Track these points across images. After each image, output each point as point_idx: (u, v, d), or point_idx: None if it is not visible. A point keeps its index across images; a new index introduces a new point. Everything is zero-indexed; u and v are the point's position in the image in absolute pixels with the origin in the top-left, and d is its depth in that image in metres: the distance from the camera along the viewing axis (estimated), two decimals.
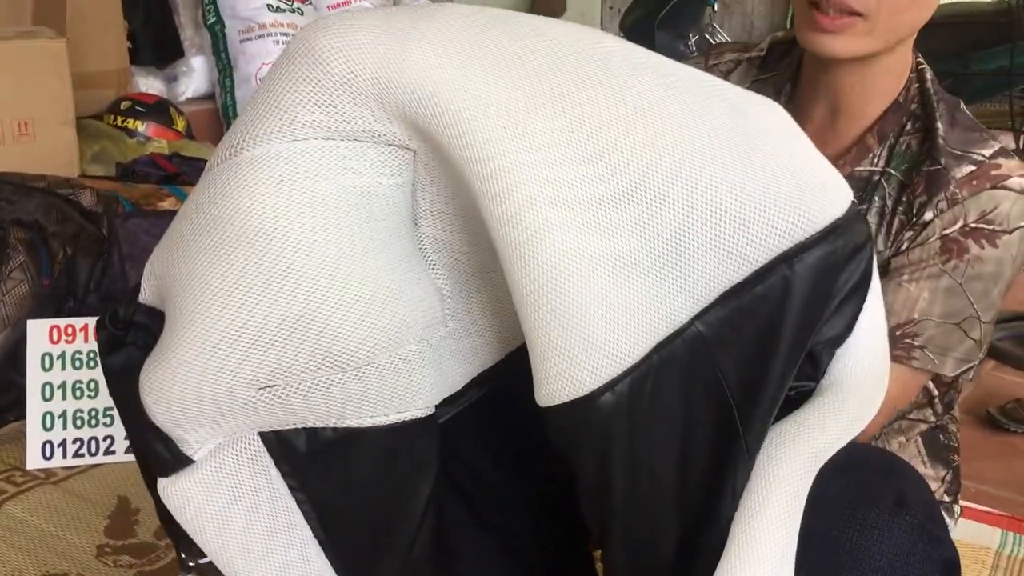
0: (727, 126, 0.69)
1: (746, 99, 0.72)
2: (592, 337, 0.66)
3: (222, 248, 0.67)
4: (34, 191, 1.82)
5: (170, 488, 0.74)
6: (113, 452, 1.67)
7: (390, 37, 0.66)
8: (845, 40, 1.00)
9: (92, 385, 1.67)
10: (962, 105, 1.09)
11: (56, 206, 1.82)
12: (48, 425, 1.65)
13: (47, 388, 1.65)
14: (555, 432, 0.71)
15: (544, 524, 0.93)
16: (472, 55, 0.66)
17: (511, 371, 0.80)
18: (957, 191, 1.01)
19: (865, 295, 0.74)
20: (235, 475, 0.74)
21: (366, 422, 0.75)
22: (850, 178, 1.09)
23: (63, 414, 1.65)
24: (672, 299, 0.69)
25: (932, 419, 1.16)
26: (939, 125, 1.05)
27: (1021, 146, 3.36)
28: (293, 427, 0.75)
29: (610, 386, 0.68)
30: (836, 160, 1.09)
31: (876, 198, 1.08)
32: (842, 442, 0.76)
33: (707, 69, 1.20)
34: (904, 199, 1.06)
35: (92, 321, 1.68)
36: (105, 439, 1.67)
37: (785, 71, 1.16)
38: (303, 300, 0.67)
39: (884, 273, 1.06)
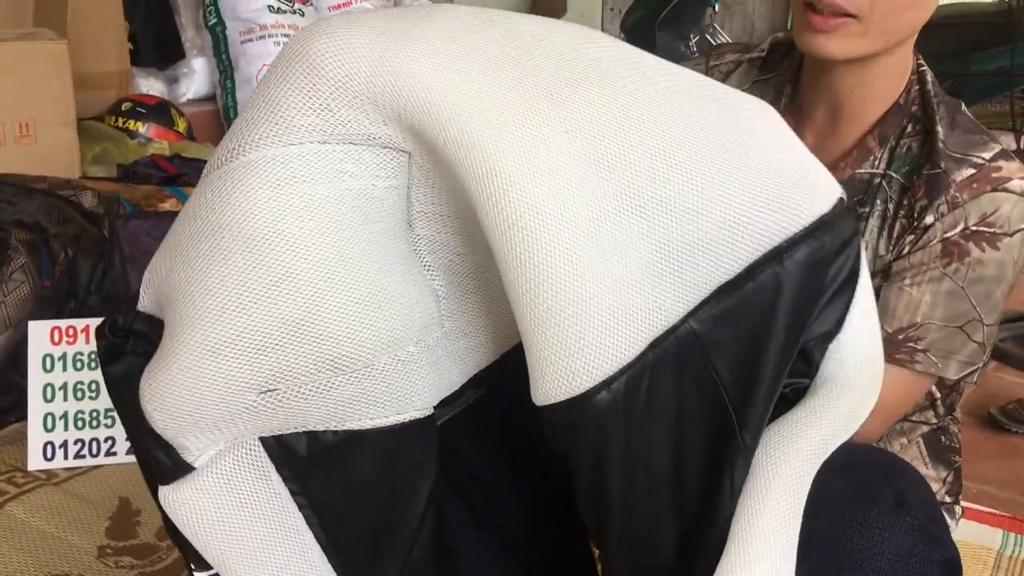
0: (717, 126, 0.70)
1: (736, 98, 0.74)
2: (587, 335, 0.67)
3: (220, 253, 0.67)
4: (35, 192, 1.82)
5: (171, 496, 0.73)
6: (114, 453, 1.67)
7: (385, 40, 0.66)
8: (840, 41, 1.00)
9: (93, 386, 1.67)
10: (963, 107, 1.09)
11: (57, 207, 1.82)
12: (49, 426, 1.65)
13: (48, 389, 1.65)
14: (551, 431, 0.71)
15: (542, 523, 0.93)
16: (467, 57, 0.66)
17: (506, 371, 0.80)
18: (958, 194, 1.02)
19: (854, 290, 0.75)
20: (236, 481, 0.74)
21: (366, 424, 0.75)
22: (851, 180, 1.09)
23: (64, 415, 1.66)
24: (665, 297, 0.69)
25: (934, 421, 1.16)
26: (939, 128, 1.05)
27: (1022, 147, 3.36)
28: (294, 431, 0.75)
29: (606, 384, 0.68)
30: (837, 162, 1.09)
31: (878, 201, 1.08)
32: (840, 439, 0.77)
33: (708, 70, 1.20)
34: (905, 202, 1.06)
35: (93, 322, 1.68)
36: (106, 440, 1.67)
37: (786, 72, 1.16)
38: (302, 303, 0.68)
39: (886, 277, 1.06)
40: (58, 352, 1.66)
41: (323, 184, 0.67)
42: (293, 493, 0.77)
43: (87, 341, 1.67)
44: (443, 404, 0.81)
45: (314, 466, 0.76)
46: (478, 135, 0.65)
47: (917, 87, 1.09)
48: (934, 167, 1.04)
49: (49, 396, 1.65)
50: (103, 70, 2.69)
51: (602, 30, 4.23)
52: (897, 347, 1.02)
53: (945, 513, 1.13)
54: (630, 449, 0.71)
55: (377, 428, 0.76)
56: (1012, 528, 1.61)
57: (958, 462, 1.20)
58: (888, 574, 0.84)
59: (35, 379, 1.64)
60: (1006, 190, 1.01)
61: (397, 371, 0.74)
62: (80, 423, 1.66)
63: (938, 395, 1.14)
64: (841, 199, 0.74)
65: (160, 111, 2.75)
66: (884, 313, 1.04)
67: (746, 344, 0.72)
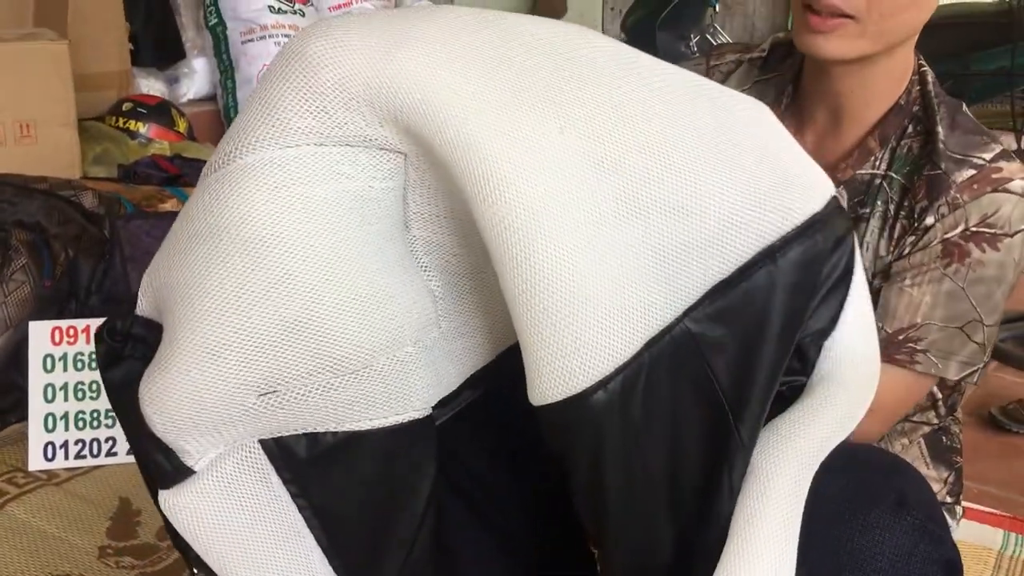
0: (711, 125, 0.71)
1: (731, 98, 0.74)
2: (583, 336, 0.67)
3: (219, 256, 0.67)
4: (36, 193, 1.82)
5: (172, 500, 0.73)
6: (115, 453, 1.67)
7: (380, 42, 0.66)
8: (838, 42, 1.00)
9: (94, 386, 1.67)
10: (964, 107, 1.09)
11: (58, 208, 1.82)
12: (50, 426, 1.65)
13: (49, 389, 1.65)
14: (548, 431, 0.72)
15: (542, 523, 0.93)
16: (463, 58, 0.67)
17: (503, 372, 0.81)
18: (958, 195, 1.02)
19: (848, 287, 0.76)
20: (237, 484, 0.74)
21: (365, 425, 0.75)
22: (852, 181, 1.09)
23: (65, 415, 1.65)
24: (660, 297, 0.70)
25: (935, 422, 1.16)
26: (939, 129, 1.05)
27: (1023, 147, 3.35)
28: (293, 433, 0.75)
29: (602, 384, 0.68)
30: (838, 163, 1.10)
31: (879, 202, 1.08)
32: (838, 438, 0.77)
33: (708, 70, 1.20)
34: (906, 203, 1.06)
35: (94, 323, 1.68)
36: (107, 440, 1.67)
37: (787, 72, 1.16)
38: (300, 305, 0.68)
39: (886, 277, 1.06)
40: (59, 352, 1.66)
41: (320, 186, 0.67)
42: (293, 495, 0.77)
43: (88, 341, 1.67)
44: (440, 405, 0.81)
45: (314, 468, 0.76)
46: (474, 136, 0.65)
47: (918, 87, 1.09)
48: (935, 168, 1.04)
49: (50, 396, 1.65)
50: (104, 70, 2.69)
51: (602, 30, 4.23)
52: (897, 347, 1.02)
53: (946, 513, 1.13)
54: (626, 449, 0.71)
55: (377, 429, 0.76)
56: (1013, 528, 1.61)
57: (959, 462, 1.20)
58: (889, 574, 0.84)
59: (36, 379, 1.64)
60: (1007, 191, 1.01)
61: (396, 372, 0.74)
62: (81, 423, 1.66)
63: (939, 396, 1.14)
64: (835, 197, 0.75)
65: (161, 111, 2.75)
66: (884, 314, 1.04)
67: (741, 343, 0.72)
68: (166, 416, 0.70)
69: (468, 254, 0.76)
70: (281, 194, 0.66)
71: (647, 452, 0.73)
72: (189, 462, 0.72)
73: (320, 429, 0.75)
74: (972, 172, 1.02)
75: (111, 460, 1.66)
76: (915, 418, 1.16)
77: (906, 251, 1.04)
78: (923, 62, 1.10)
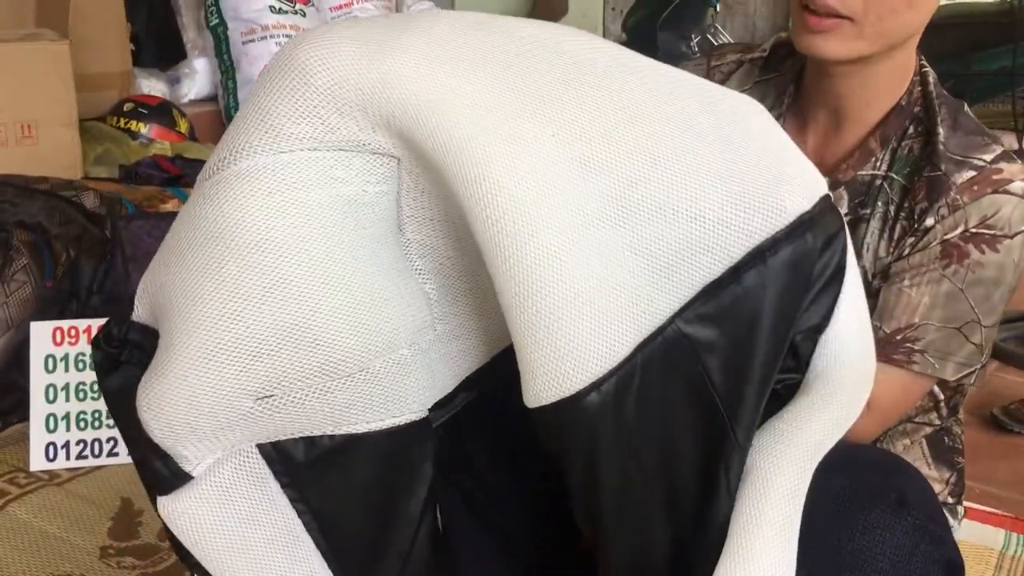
0: (702, 126, 0.71)
1: (723, 97, 0.75)
2: (576, 338, 0.68)
3: (214, 261, 0.68)
4: (37, 193, 1.82)
5: (170, 506, 0.74)
6: (116, 454, 1.67)
7: (372, 47, 0.67)
8: (835, 42, 1.00)
9: (95, 387, 1.67)
10: (965, 108, 1.09)
11: (59, 208, 1.82)
12: (51, 427, 1.65)
13: (50, 390, 1.65)
14: (543, 432, 0.72)
15: (542, 523, 0.93)
16: (454, 62, 0.67)
17: (498, 374, 0.81)
18: (958, 197, 1.01)
19: (841, 284, 0.76)
20: (235, 489, 0.75)
21: (362, 428, 0.76)
22: (853, 182, 1.09)
23: (66, 416, 1.66)
24: (652, 298, 0.70)
25: (937, 422, 1.16)
26: (940, 130, 1.05)
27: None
28: (291, 437, 0.75)
29: (596, 386, 0.69)
30: (839, 163, 1.10)
31: (879, 203, 1.08)
32: (835, 437, 0.77)
33: (709, 70, 1.20)
34: (906, 204, 1.06)
35: (95, 323, 1.68)
36: (108, 440, 1.67)
37: (788, 73, 1.16)
38: (296, 309, 0.68)
39: (885, 278, 1.06)
40: (60, 353, 1.66)
41: (314, 191, 0.68)
42: (292, 499, 0.77)
43: (89, 342, 1.67)
44: (437, 407, 0.81)
45: (312, 471, 0.76)
46: (466, 140, 0.65)
47: (919, 88, 1.09)
48: (935, 169, 1.04)
49: (51, 397, 1.65)
50: (105, 71, 2.69)
51: (603, 30, 4.23)
52: (895, 347, 1.02)
53: (948, 513, 1.13)
54: (621, 450, 0.72)
55: (374, 431, 0.76)
56: (1015, 528, 1.61)
57: (961, 463, 1.20)
58: (890, 574, 0.84)
59: (37, 380, 1.64)
60: (1007, 192, 1.01)
61: (392, 374, 0.75)
62: (82, 424, 1.66)
63: (941, 397, 1.14)
64: (826, 196, 0.75)
65: (162, 112, 2.75)
66: (882, 314, 1.04)
67: (734, 343, 0.72)
68: (163, 421, 0.70)
69: (462, 257, 0.77)
70: (275, 199, 0.67)
71: (641, 453, 0.73)
72: (187, 467, 0.73)
73: (317, 432, 0.75)
74: (972, 173, 1.02)
75: (112, 460, 1.66)
76: (917, 419, 1.15)
77: (906, 252, 1.04)
78: (924, 63, 1.10)
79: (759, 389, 0.74)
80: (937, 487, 1.15)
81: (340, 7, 3.26)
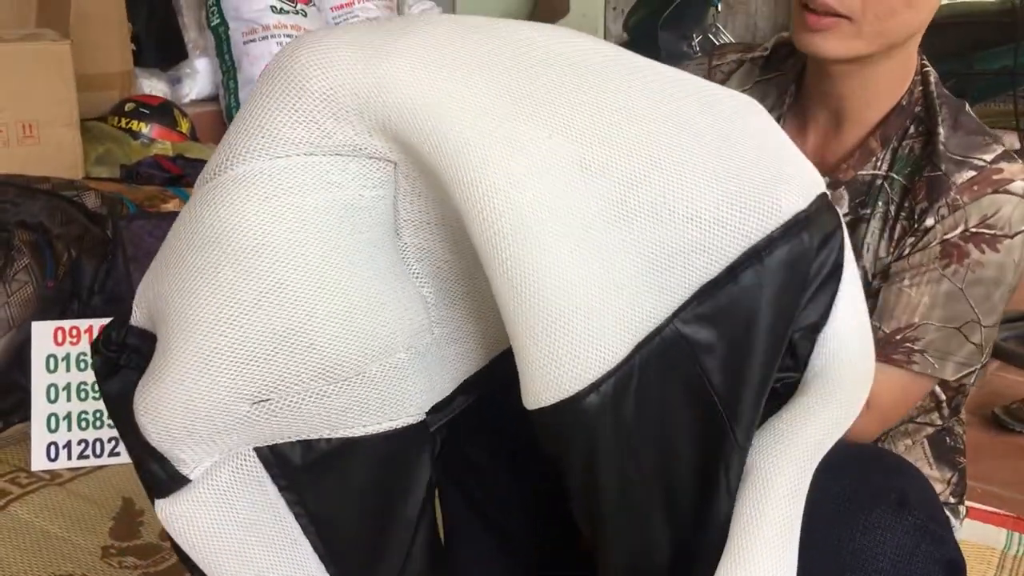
0: (701, 125, 0.71)
1: (721, 96, 0.75)
2: (575, 340, 0.68)
3: (211, 266, 0.68)
4: (38, 193, 1.82)
5: (168, 509, 0.74)
6: (118, 453, 1.67)
7: (368, 52, 0.67)
8: (834, 41, 1.00)
9: (96, 387, 1.67)
10: (967, 107, 1.09)
11: (60, 208, 1.82)
12: (53, 427, 1.65)
13: (52, 390, 1.65)
14: (543, 434, 0.72)
15: (542, 523, 0.93)
16: (451, 66, 0.67)
17: (497, 377, 0.81)
18: (958, 196, 1.01)
19: (839, 282, 0.76)
20: (232, 492, 0.75)
21: (359, 431, 0.76)
22: (853, 182, 1.09)
23: (68, 416, 1.66)
24: (649, 299, 0.70)
25: (939, 423, 1.16)
26: (941, 130, 1.05)
27: None
28: (288, 440, 0.75)
29: (595, 387, 0.69)
30: (839, 163, 1.09)
31: (879, 203, 1.08)
32: (835, 437, 0.77)
33: (710, 69, 1.20)
34: (906, 204, 1.06)
35: (97, 323, 1.68)
36: (110, 440, 1.67)
37: (790, 72, 1.16)
38: (293, 314, 0.68)
39: (885, 278, 1.06)
40: (61, 353, 1.66)
41: (310, 195, 0.68)
42: (289, 502, 0.77)
43: (90, 342, 1.66)
44: (435, 411, 0.81)
45: (309, 475, 0.76)
46: (462, 143, 0.65)
47: (920, 88, 1.09)
48: (935, 169, 1.04)
49: (52, 397, 1.65)
50: (106, 71, 2.70)
51: (604, 30, 4.23)
52: (895, 347, 1.02)
53: (949, 513, 1.13)
54: (620, 451, 0.72)
55: (371, 435, 0.76)
56: (1016, 528, 1.61)
57: (962, 463, 1.20)
58: (890, 574, 0.84)
59: (38, 380, 1.64)
60: (1007, 192, 1.01)
61: (389, 378, 0.75)
62: (83, 423, 1.66)
63: (943, 397, 1.14)
64: (823, 194, 0.75)
65: (163, 112, 2.75)
66: (882, 313, 1.04)
67: (732, 342, 0.73)
68: (160, 425, 0.71)
69: (459, 260, 0.77)
70: (272, 204, 0.67)
71: (640, 454, 0.73)
72: (184, 471, 0.73)
73: (314, 436, 0.75)
74: (972, 173, 1.02)
75: (114, 460, 1.66)
76: (919, 419, 1.15)
77: (905, 252, 1.04)
78: (926, 62, 1.10)
79: (758, 389, 0.74)
80: (939, 487, 1.15)
81: (341, 7, 3.26)
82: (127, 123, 2.68)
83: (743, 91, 1.10)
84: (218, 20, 3.05)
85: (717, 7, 4.10)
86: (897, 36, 1.02)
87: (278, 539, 0.77)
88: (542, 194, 0.66)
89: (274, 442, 0.75)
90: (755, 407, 0.74)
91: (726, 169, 0.71)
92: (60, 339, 1.66)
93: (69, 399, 1.66)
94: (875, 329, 1.01)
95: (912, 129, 1.08)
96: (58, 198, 1.83)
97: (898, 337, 1.03)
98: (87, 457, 1.66)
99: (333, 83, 0.66)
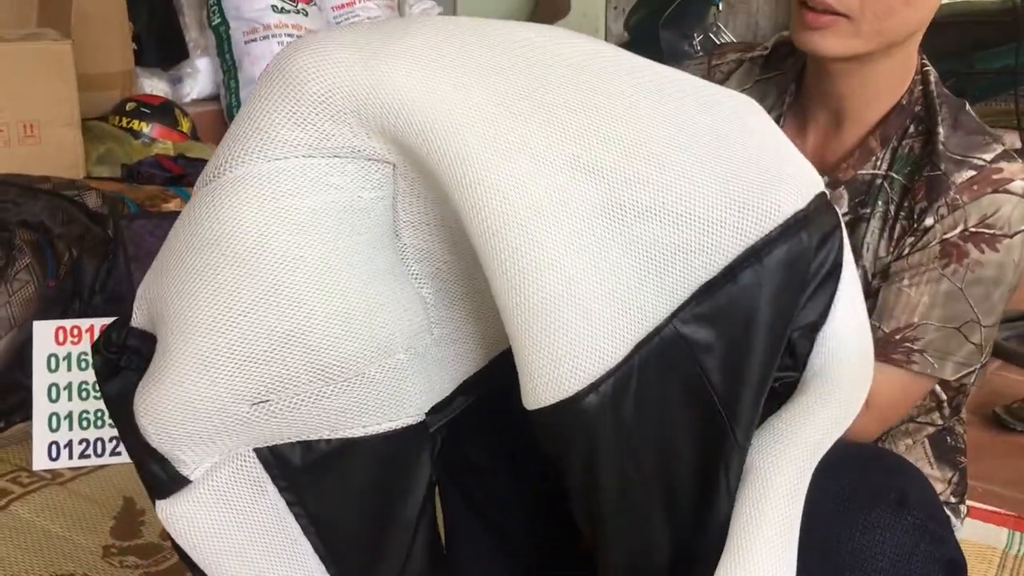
0: (700, 126, 0.71)
1: (720, 96, 0.75)
2: (575, 339, 0.68)
3: (210, 268, 0.68)
4: (39, 193, 1.83)
5: (169, 509, 0.74)
6: (119, 453, 1.67)
7: (366, 53, 0.67)
8: (833, 39, 1.00)
9: (97, 387, 1.67)
10: (967, 107, 1.09)
11: (61, 208, 1.82)
12: (54, 426, 1.65)
13: (53, 389, 1.65)
14: (542, 434, 0.72)
15: (542, 523, 0.93)
16: (448, 66, 0.67)
17: (496, 377, 0.81)
18: (958, 196, 1.01)
19: (838, 281, 0.76)
20: (232, 493, 0.75)
21: (359, 432, 0.76)
22: (853, 181, 1.09)
23: (69, 415, 1.66)
24: (648, 299, 0.70)
25: (940, 422, 1.16)
26: (940, 129, 1.05)
27: None
28: (287, 441, 0.75)
29: (594, 387, 0.69)
30: (839, 163, 1.09)
31: (879, 202, 1.08)
32: (834, 436, 0.77)
33: (710, 69, 1.20)
34: (906, 204, 1.06)
35: (98, 322, 1.68)
36: (111, 440, 1.67)
37: (790, 71, 1.16)
38: (291, 315, 0.69)
39: (885, 278, 1.06)
40: (62, 352, 1.66)
41: (309, 197, 0.68)
42: (289, 503, 0.77)
43: (91, 341, 1.66)
44: (434, 411, 0.82)
45: (309, 475, 0.76)
46: (461, 144, 0.66)
47: (920, 88, 1.08)
48: (934, 169, 1.03)
49: (54, 396, 1.65)
50: (107, 70, 2.70)
51: (605, 29, 4.22)
52: (894, 347, 1.02)
53: (950, 513, 1.13)
54: (620, 450, 0.72)
55: (371, 436, 0.77)
56: (1017, 527, 1.61)
57: (963, 462, 1.20)
58: (890, 573, 0.84)
59: (40, 379, 1.65)
60: (1007, 191, 1.01)
61: (388, 379, 0.75)
62: (85, 423, 1.67)
63: (944, 397, 1.14)
64: (821, 194, 0.75)
65: (164, 111, 2.75)
66: (882, 313, 1.03)
67: (731, 342, 0.73)
68: (160, 427, 0.71)
69: (459, 261, 0.77)
70: (270, 206, 0.67)
71: (640, 454, 0.73)
72: (185, 472, 0.73)
73: (314, 437, 0.76)
74: (972, 173, 1.02)
75: (115, 460, 1.67)
76: (919, 419, 1.15)
77: (905, 251, 1.04)
78: (926, 62, 1.10)
79: (757, 388, 0.74)
80: (939, 486, 1.15)
81: (342, 6, 3.26)
82: (128, 123, 2.68)
83: (743, 90, 1.10)
84: (219, 20, 3.05)
85: (718, 6, 4.10)
86: (896, 35, 1.02)
87: (278, 540, 0.77)
88: (541, 195, 0.66)
89: (274, 443, 0.75)
90: (754, 407, 0.74)
91: (725, 169, 0.71)
92: (61, 338, 1.66)
93: (70, 398, 1.66)
94: (875, 329, 1.01)
95: (912, 128, 1.08)
96: (59, 198, 1.83)
97: (897, 337, 1.03)
98: (88, 456, 1.66)
99: (331, 85, 0.67)
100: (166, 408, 0.70)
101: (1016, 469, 1.82)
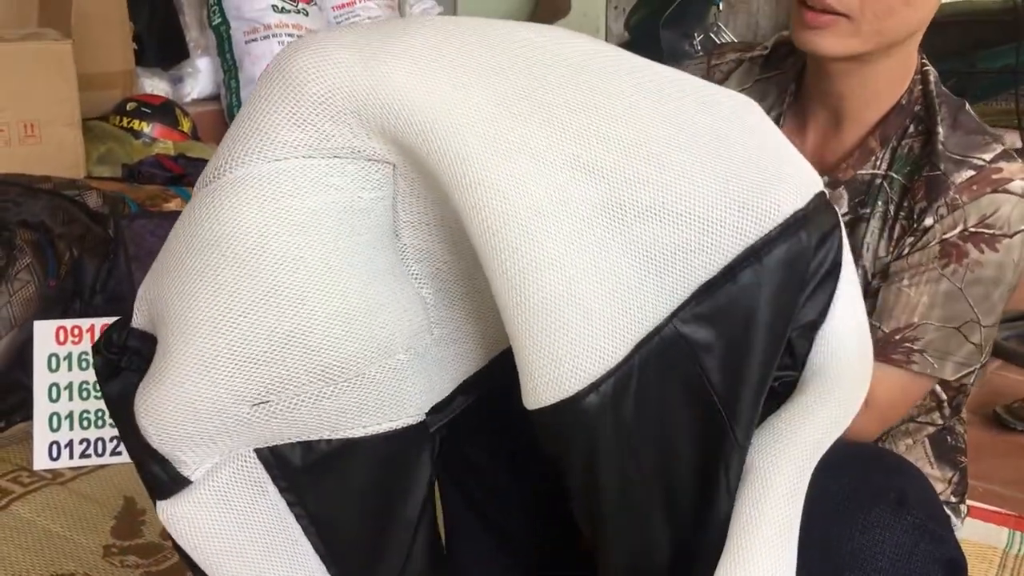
0: (699, 126, 0.72)
1: (719, 96, 0.75)
2: (575, 339, 0.68)
3: (210, 269, 0.68)
4: (40, 192, 1.83)
5: (170, 510, 0.74)
6: (119, 453, 1.67)
7: (366, 53, 0.67)
8: (832, 39, 1.00)
9: (98, 386, 1.67)
10: (967, 106, 1.09)
11: (62, 207, 1.82)
12: (55, 426, 1.65)
13: (54, 389, 1.66)
14: (543, 434, 0.72)
15: (542, 523, 0.93)
16: (450, 67, 0.67)
17: (496, 376, 0.81)
18: (957, 196, 1.01)
19: (837, 281, 0.76)
20: (233, 494, 0.75)
21: (359, 432, 0.76)
22: (853, 181, 1.09)
23: (69, 415, 1.66)
24: (649, 299, 0.71)
25: (940, 422, 1.16)
26: (940, 129, 1.05)
27: None
28: (288, 441, 0.76)
29: (595, 387, 0.69)
30: (839, 163, 1.09)
31: (879, 202, 1.07)
32: (833, 436, 0.77)
33: (709, 69, 1.20)
34: (906, 204, 1.06)
35: (99, 322, 1.68)
36: (111, 440, 1.67)
37: (790, 71, 1.16)
38: (292, 316, 0.69)
39: (885, 278, 1.06)
40: (63, 352, 1.66)
41: (309, 198, 0.68)
42: (290, 503, 0.77)
43: (92, 341, 1.66)
44: (434, 411, 0.82)
45: (309, 476, 0.77)
46: (462, 144, 0.66)
47: (920, 87, 1.08)
48: (934, 169, 1.03)
49: (54, 396, 1.65)
50: (108, 70, 2.70)
51: (606, 29, 4.22)
52: (894, 347, 1.02)
53: (951, 512, 1.13)
54: (621, 450, 0.72)
55: (371, 436, 0.77)
56: (1018, 527, 1.61)
57: (964, 462, 1.20)
58: (889, 573, 0.84)
59: (40, 379, 1.65)
60: (1006, 191, 1.00)
61: (389, 379, 0.75)
62: (85, 423, 1.67)
63: (944, 396, 1.14)
64: (820, 193, 0.75)
65: (165, 111, 2.75)
66: (881, 313, 1.03)
67: (731, 342, 0.73)
68: (161, 427, 0.71)
69: (459, 261, 0.77)
70: (270, 207, 0.67)
71: (640, 453, 0.73)
72: (185, 472, 0.73)
73: (314, 437, 0.76)
74: (971, 173, 1.02)
75: (116, 459, 1.67)
76: (920, 419, 1.15)
77: (905, 252, 1.04)
78: (926, 61, 1.10)
79: (757, 388, 0.74)
80: (940, 486, 1.15)
81: (343, 6, 3.26)
82: (129, 122, 2.68)
83: (742, 90, 1.10)
84: (219, 19, 3.05)
85: (719, 6, 4.10)
86: (896, 35, 1.02)
87: (279, 540, 0.77)
88: (541, 195, 0.66)
89: (274, 443, 0.76)
90: (754, 406, 0.74)
91: (725, 169, 0.71)
92: (62, 338, 1.66)
93: (71, 398, 1.66)
94: (874, 329, 1.01)
95: (912, 128, 1.08)
96: (60, 197, 1.84)
97: (897, 337, 1.02)
98: (89, 456, 1.66)
99: (331, 85, 0.67)
100: (167, 409, 0.70)
101: (1017, 469, 1.82)
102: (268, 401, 0.71)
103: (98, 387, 1.66)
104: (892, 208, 1.07)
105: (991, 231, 1.00)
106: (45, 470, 1.63)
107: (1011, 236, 1.00)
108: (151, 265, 0.75)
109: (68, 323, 1.67)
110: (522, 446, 0.82)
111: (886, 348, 1.02)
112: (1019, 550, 1.56)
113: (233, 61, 3.05)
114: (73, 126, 2.38)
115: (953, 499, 1.18)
